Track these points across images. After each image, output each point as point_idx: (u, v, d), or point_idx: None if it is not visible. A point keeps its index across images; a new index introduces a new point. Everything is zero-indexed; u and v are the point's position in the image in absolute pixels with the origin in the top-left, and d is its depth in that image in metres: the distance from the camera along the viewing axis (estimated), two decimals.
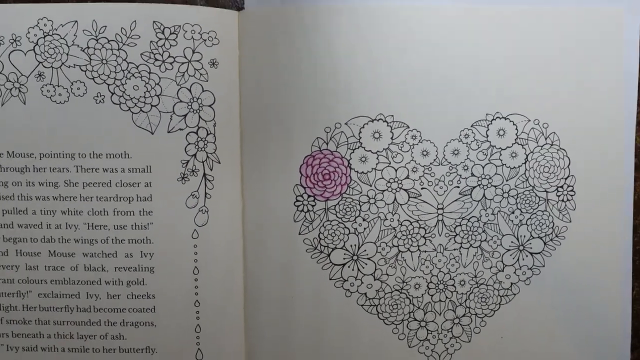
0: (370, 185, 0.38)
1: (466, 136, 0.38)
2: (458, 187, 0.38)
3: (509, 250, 0.39)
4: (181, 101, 0.36)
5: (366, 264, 0.38)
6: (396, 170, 0.38)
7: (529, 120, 0.38)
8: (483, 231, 0.38)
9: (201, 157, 0.37)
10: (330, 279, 0.38)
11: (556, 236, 0.39)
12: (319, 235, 0.38)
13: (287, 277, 0.38)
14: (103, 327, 0.37)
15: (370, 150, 0.37)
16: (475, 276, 0.39)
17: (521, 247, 0.39)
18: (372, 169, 0.38)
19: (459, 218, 0.38)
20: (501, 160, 0.38)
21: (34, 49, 0.36)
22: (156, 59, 0.36)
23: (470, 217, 0.38)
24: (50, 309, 0.37)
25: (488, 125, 0.38)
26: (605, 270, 0.39)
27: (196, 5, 0.37)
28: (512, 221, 0.38)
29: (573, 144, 0.38)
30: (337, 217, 0.38)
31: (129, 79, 0.36)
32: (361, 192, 0.38)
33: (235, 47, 0.37)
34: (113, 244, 0.37)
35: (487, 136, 0.38)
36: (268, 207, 0.37)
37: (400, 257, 0.38)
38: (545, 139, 0.38)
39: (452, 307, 0.39)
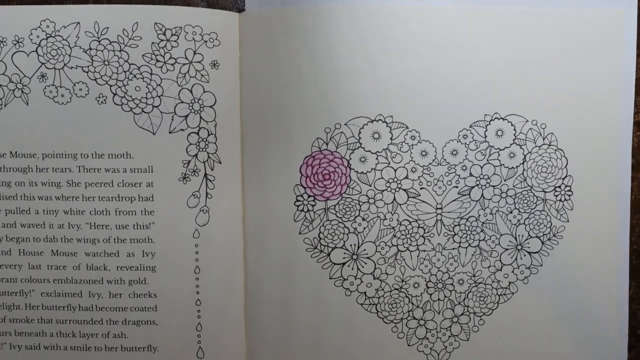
0: (370, 185, 0.38)
1: (465, 137, 0.38)
2: (457, 187, 0.38)
3: (507, 249, 0.39)
4: (182, 102, 0.36)
5: (366, 263, 0.38)
6: (395, 171, 0.38)
7: (527, 121, 0.38)
8: (481, 231, 0.39)
9: (202, 157, 0.37)
10: (330, 278, 0.38)
11: (554, 236, 0.39)
12: (319, 235, 0.38)
13: (287, 276, 0.38)
14: (105, 325, 0.37)
15: (369, 151, 0.38)
16: (474, 275, 0.39)
17: (519, 247, 0.39)
18: (372, 169, 0.38)
19: (458, 218, 0.38)
20: (499, 160, 0.38)
21: (36, 50, 0.36)
22: (158, 60, 0.36)
23: (469, 217, 0.38)
24: (53, 308, 0.37)
25: (486, 126, 0.38)
26: (603, 270, 0.39)
27: (197, 7, 0.37)
28: (510, 221, 0.39)
29: (571, 144, 0.38)
30: (337, 216, 0.38)
31: (131, 80, 0.36)
32: (361, 192, 0.38)
33: (236, 49, 0.37)
34: (115, 244, 0.37)
35: (486, 137, 0.38)
36: (268, 207, 0.38)
37: (400, 256, 0.38)
38: (543, 139, 0.38)
39: (450, 306, 0.39)
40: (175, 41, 0.36)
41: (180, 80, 0.36)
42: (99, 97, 0.36)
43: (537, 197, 0.38)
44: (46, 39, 0.36)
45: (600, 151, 0.38)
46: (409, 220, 0.38)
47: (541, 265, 0.39)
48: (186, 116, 0.36)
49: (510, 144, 0.38)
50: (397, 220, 0.38)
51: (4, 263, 0.37)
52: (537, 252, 0.39)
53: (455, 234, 0.38)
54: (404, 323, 0.39)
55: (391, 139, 0.38)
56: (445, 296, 0.39)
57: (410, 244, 0.38)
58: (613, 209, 0.38)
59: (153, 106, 0.36)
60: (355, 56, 0.36)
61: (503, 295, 0.39)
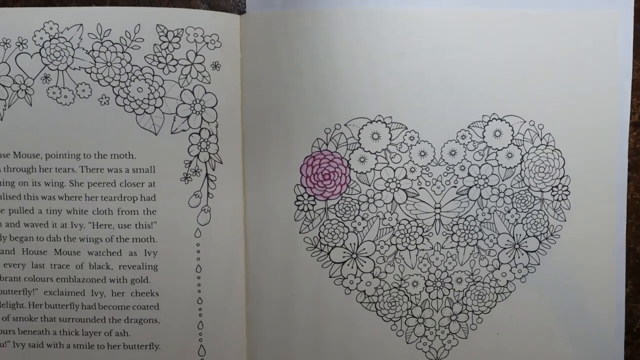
0: (369, 185, 0.38)
1: (463, 137, 0.38)
2: (455, 186, 0.38)
3: (504, 248, 0.39)
4: (184, 103, 0.36)
5: (365, 262, 0.39)
6: (394, 171, 0.38)
7: (525, 122, 0.38)
8: (479, 230, 0.39)
9: (204, 157, 0.37)
10: (330, 277, 0.39)
11: (551, 235, 0.39)
12: (319, 234, 0.38)
13: (287, 275, 0.38)
14: (107, 324, 0.37)
15: (369, 151, 0.38)
16: (472, 274, 0.39)
17: (517, 246, 0.39)
18: (371, 169, 0.38)
19: (456, 217, 0.39)
20: (497, 160, 0.38)
21: (40, 52, 0.36)
22: (160, 62, 0.36)
23: (467, 216, 0.39)
24: (56, 306, 0.37)
25: (484, 127, 0.38)
26: (600, 268, 0.39)
27: (199, 9, 0.37)
28: (508, 220, 0.39)
29: (568, 144, 0.38)
30: (336, 216, 0.38)
31: (133, 81, 0.36)
32: (360, 192, 0.38)
33: (237, 50, 0.37)
34: (117, 243, 0.37)
35: (484, 137, 0.38)
36: (269, 207, 0.38)
37: (399, 255, 0.39)
38: (541, 139, 0.38)
39: (449, 304, 0.39)
40: (177, 43, 0.36)
41: (182, 82, 0.36)
42: (102, 98, 0.36)
43: (534, 196, 0.39)
44: (49, 40, 0.36)
45: (597, 151, 0.38)
46: (408, 220, 0.38)
47: (538, 264, 0.39)
48: (188, 117, 0.37)
49: (508, 145, 0.38)
50: (396, 219, 0.38)
51: (8, 262, 0.37)
52: (534, 251, 0.39)
53: (454, 233, 0.39)
54: (403, 321, 0.39)
55: (390, 139, 0.38)
56: (443, 294, 0.39)
57: (409, 243, 0.39)
58: (610, 208, 0.39)
59: (155, 107, 0.36)
60: (354, 58, 0.37)
61: (501, 294, 0.39)
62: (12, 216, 0.37)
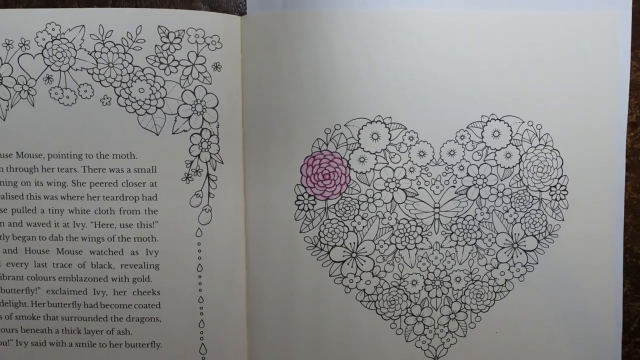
0: (369, 185, 0.38)
1: (462, 137, 0.38)
2: (454, 186, 0.39)
3: (503, 247, 0.39)
4: (185, 103, 0.37)
5: (365, 261, 0.39)
6: (394, 170, 0.38)
7: (523, 122, 0.38)
8: (478, 229, 0.39)
9: (205, 157, 0.37)
10: (330, 276, 0.39)
11: (549, 234, 0.39)
12: (319, 234, 0.38)
13: (288, 274, 0.38)
14: (109, 322, 0.38)
15: (368, 151, 0.38)
16: (471, 273, 0.39)
17: (515, 245, 0.39)
18: (371, 169, 0.38)
19: (455, 217, 0.39)
20: (496, 160, 0.38)
21: (42, 53, 0.36)
22: (161, 63, 0.36)
23: (466, 216, 0.39)
24: (58, 305, 0.38)
25: (483, 127, 0.38)
26: (597, 267, 0.39)
27: (200, 10, 0.37)
28: (507, 220, 0.39)
29: (566, 145, 0.38)
30: (336, 215, 0.38)
31: (135, 82, 0.36)
32: (360, 192, 0.38)
33: (238, 51, 0.37)
34: (119, 242, 0.37)
35: (482, 137, 0.38)
36: (269, 206, 0.38)
37: (398, 254, 0.39)
38: (539, 140, 0.38)
39: (448, 303, 0.39)
40: (178, 44, 0.36)
41: (183, 82, 0.36)
42: (104, 99, 0.36)
43: (532, 196, 0.39)
44: (52, 41, 0.36)
45: (595, 151, 0.38)
46: (407, 219, 0.39)
47: (537, 263, 0.39)
48: (189, 117, 0.37)
49: (507, 145, 0.38)
50: (396, 219, 0.38)
51: (11, 261, 0.37)
52: (532, 251, 0.39)
53: (453, 232, 0.39)
54: (402, 319, 0.39)
55: (390, 139, 0.38)
56: (442, 293, 0.39)
57: (408, 242, 0.39)
58: (607, 208, 0.39)
59: (156, 107, 0.36)
60: (354, 59, 0.37)
61: (499, 293, 0.39)
62: (14, 216, 0.37)
